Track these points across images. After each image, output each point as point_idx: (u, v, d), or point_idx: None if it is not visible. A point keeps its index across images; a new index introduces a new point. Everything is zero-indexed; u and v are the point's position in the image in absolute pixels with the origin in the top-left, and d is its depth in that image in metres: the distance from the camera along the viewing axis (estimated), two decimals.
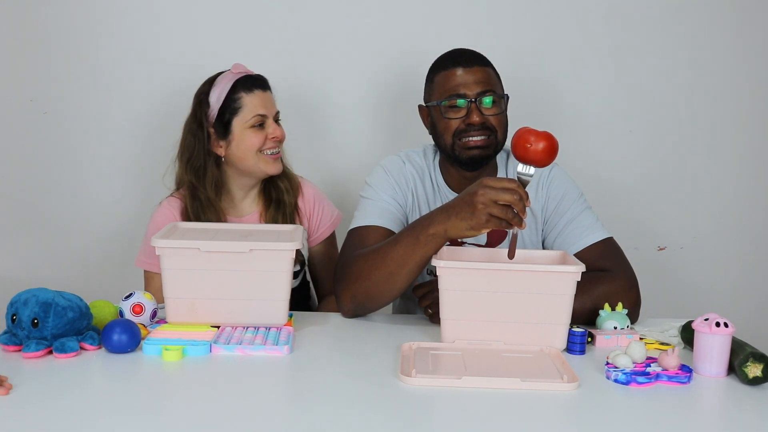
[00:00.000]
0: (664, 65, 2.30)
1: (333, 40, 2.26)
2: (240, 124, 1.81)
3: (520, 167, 1.36)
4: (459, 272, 1.35)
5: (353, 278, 1.52)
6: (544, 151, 1.34)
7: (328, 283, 1.97)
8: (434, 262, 1.35)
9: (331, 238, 1.98)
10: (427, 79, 1.71)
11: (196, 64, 2.16)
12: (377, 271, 1.49)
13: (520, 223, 1.35)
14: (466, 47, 1.70)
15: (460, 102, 1.62)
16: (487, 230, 1.38)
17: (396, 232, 1.61)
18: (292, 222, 1.88)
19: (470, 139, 1.62)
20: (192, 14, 2.23)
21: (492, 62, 1.69)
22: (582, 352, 1.36)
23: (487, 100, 1.62)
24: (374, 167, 1.74)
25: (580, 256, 1.58)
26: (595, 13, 2.27)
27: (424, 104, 1.72)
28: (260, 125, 1.82)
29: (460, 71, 1.63)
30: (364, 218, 1.64)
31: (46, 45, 2.20)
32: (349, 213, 1.78)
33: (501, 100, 1.65)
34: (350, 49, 2.26)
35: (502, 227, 1.36)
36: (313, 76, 2.27)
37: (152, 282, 1.80)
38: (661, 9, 2.28)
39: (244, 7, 2.23)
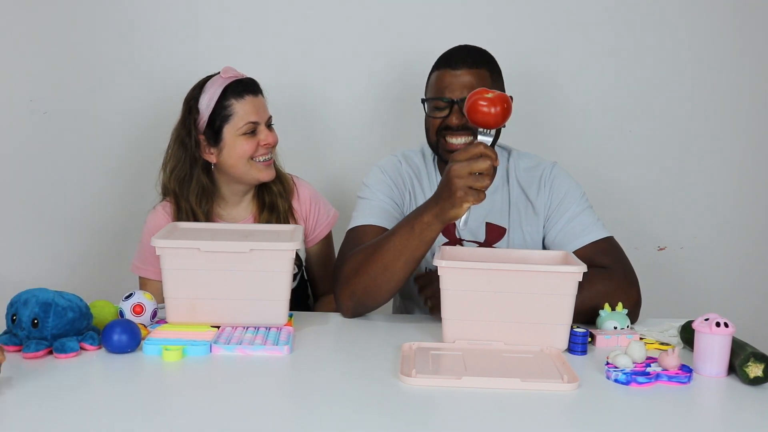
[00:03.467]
0: (664, 65, 2.30)
1: (330, 40, 2.26)
2: (231, 131, 1.78)
3: (480, 131, 1.39)
4: (460, 272, 1.34)
5: (351, 275, 1.52)
6: (500, 113, 1.36)
7: (324, 282, 1.97)
8: (435, 262, 1.35)
9: (328, 237, 1.97)
10: (428, 76, 1.73)
11: (196, 63, 2.16)
12: (374, 265, 1.49)
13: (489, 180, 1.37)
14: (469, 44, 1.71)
15: (443, 104, 1.64)
16: (469, 204, 1.38)
17: None
18: (286, 222, 1.86)
19: (452, 141, 1.63)
20: (190, 15, 2.23)
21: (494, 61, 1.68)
22: (584, 352, 1.36)
23: None
24: (371, 167, 1.75)
25: (579, 253, 1.58)
26: (595, 12, 2.27)
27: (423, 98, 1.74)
28: (252, 132, 1.79)
29: (447, 73, 1.64)
30: (361, 218, 1.65)
31: (46, 45, 2.21)
32: (347, 213, 1.78)
33: None
34: (348, 48, 2.26)
35: (481, 198, 1.38)
36: (310, 75, 2.27)
37: (146, 288, 1.79)
38: (662, 9, 2.28)
39: (242, 6, 2.23)
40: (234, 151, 1.78)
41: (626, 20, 2.28)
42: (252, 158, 1.80)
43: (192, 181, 1.80)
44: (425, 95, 1.71)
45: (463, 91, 1.61)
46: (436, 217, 1.43)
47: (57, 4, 2.19)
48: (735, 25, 2.29)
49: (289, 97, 2.19)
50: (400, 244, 1.47)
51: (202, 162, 1.81)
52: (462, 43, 1.72)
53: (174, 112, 1.87)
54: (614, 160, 2.33)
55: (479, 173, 1.36)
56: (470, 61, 1.64)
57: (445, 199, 1.40)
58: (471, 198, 1.37)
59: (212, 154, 1.81)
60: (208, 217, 1.82)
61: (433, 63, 1.71)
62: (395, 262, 1.48)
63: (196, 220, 1.79)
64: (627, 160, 2.34)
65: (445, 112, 1.63)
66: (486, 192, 1.39)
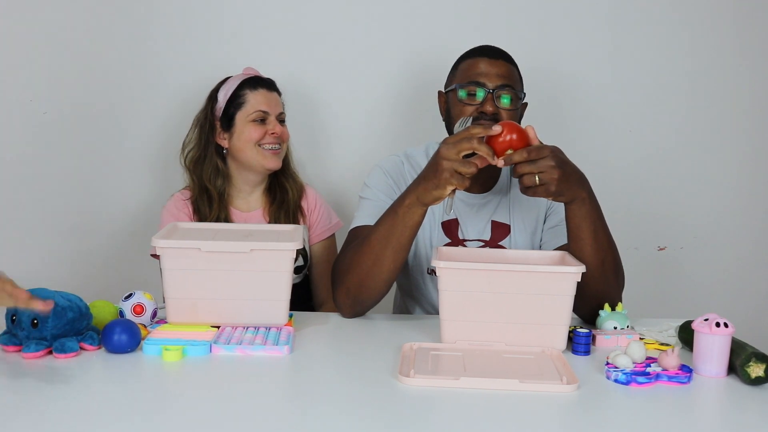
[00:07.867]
0: (664, 65, 2.30)
1: (335, 40, 2.25)
2: (242, 117, 1.89)
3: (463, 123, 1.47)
4: (459, 272, 1.34)
5: (344, 272, 1.54)
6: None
7: (324, 289, 1.99)
8: (434, 263, 1.35)
9: (330, 245, 2.01)
10: (452, 67, 1.73)
11: (197, 63, 2.17)
12: (364, 257, 1.50)
13: (489, 155, 1.36)
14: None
15: (479, 91, 1.63)
16: (453, 188, 1.39)
17: None
18: (295, 220, 1.91)
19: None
20: (191, 14, 2.23)
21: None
22: (587, 352, 1.36)
23: (505, 99, 1.63)
24: (372, 168, 1.75)
25: (562, 248, 1.58)
26: (594, 12, 2.27)
27: (443, 90, 1.74)
28: (261, 120, 1.89)
29: (484, 61, 1.65)
30: (361, 218, 1.65)
31: (46, 45, 2.20)
32: (350, 214, 1.78)
33: (518, 100, 1.66)
34: (353, 49, 2.26)
35: (465, 184, 1.38)
36: (313, 75, 2.26)
37: None
38: (662, 8, 2.28)
39: (250, 11, 2.23)
40: (243, 135, 1.88)
41: (625, 20, 2.28)
42: (260, 145, 1.88)
43: (205, 161, 1.91)
44: (450, 85, 1.70)
45: (499, 81, 1.62)
46: (418, 199, 1.43)
47: (56, 4, 2.19)
48: (735, 25, 2.29)
49: (293, 97, 2.19)
50: (385, 231, 1.48)
51: (215, 145, 1.92)
52: (461, 47, 1.72)
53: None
54: (614, 160, 2.33)
55: (466, 157, 1.37)
56: (506, 56, 1.68)
57: (429, 179, 1.41)
58: (455, 181, 1.37)
59: (225, 139, 1.91)
60: (222, 198, 1.90)
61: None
62: (384, 251, 1.49)
63: (209, 198, 1.88)
64: (627, 160, 2.33)
65: (479, 100, 1.63)
66: (473, 180, 1.39)
